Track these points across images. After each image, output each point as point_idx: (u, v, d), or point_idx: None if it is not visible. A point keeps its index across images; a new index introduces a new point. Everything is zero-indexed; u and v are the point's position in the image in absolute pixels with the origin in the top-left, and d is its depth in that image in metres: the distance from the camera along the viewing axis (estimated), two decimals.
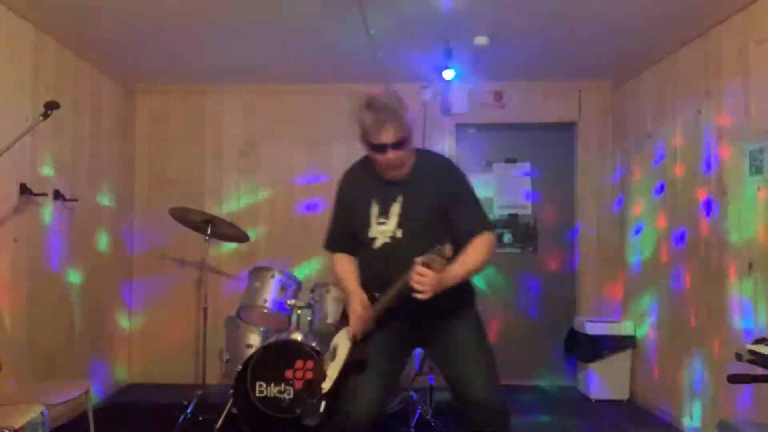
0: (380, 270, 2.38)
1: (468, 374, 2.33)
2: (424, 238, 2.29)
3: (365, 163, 2.49)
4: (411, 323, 2.39)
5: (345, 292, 2.53)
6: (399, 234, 2.37)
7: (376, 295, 2.37)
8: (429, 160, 2.49)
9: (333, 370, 2.46)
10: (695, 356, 3.92)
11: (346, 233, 2.55)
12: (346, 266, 2.55)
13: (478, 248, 2.35)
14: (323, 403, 2.45)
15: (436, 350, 2.49)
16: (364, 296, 2.40)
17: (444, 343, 2.41)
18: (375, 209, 2.40)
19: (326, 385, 2.46)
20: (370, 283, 2.42)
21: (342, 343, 2.49)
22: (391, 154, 2.30)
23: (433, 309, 2.26)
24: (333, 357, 2.51)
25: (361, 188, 2.47)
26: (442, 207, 2.38)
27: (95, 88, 4.70)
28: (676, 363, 4.16)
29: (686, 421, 4.02)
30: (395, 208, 2.38)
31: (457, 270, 2.27)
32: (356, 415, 2.32)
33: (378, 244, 2.39)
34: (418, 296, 2.17)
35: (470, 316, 2.47)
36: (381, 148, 2.30)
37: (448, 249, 2.16)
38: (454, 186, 2.44)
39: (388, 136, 2.28)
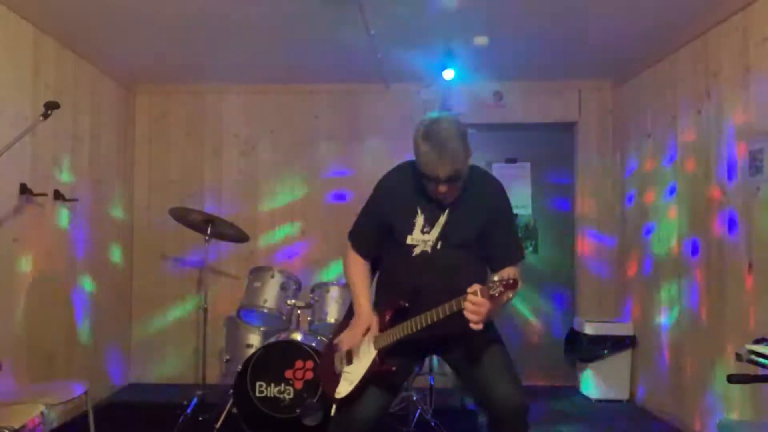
0: (414, 278, 2.36)
1: (490, 376, 2.33)
2: (462, 254, 2.35)
3: (413, 168, 2.41)
4: (430, 335, 2.34)
5: (355, 304, 2.50)
6: (439, 246, 2.36)
7: (405, 304, 2.35)
8: (481, 181, 2.45)
9: (353, 375, 2.40)
10: (695, 356, 3.93)
11: (373, 233, 2.51)
12: (361, 275, 2.52)
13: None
14: (334, 407, 2.43)
15: (454, 357, 2.47)
16: (375, 320, 2.40)
17: (463, 350, 2.40)
18: (421, 218, 2.38)
19: (343, 390, 2.40)
20: (400, 291, 2.38)
21: (362, 349, 2.43)
22: (443, 188, 2.26)
23: (456, 324, 2.23)
24: (348, 360, 2.45)
25: (407, 194, 2.42)
26: (485, 229, 2.38)
27: (95, 88, 4.70)
28: (676, 363, 4.16)
29: (685, 421, 4.03)
30: (441, 220, 2.37)
31: (505, 303, 2.24)
32: (362, 419, 2.36)
33: (417, 251, 2.38)
34: (472, 326, 2.14)
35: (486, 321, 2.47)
36: (434, 180, 2.26)
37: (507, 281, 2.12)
38: (501, 212, 2.44)
39: (442, 172, 2.22)
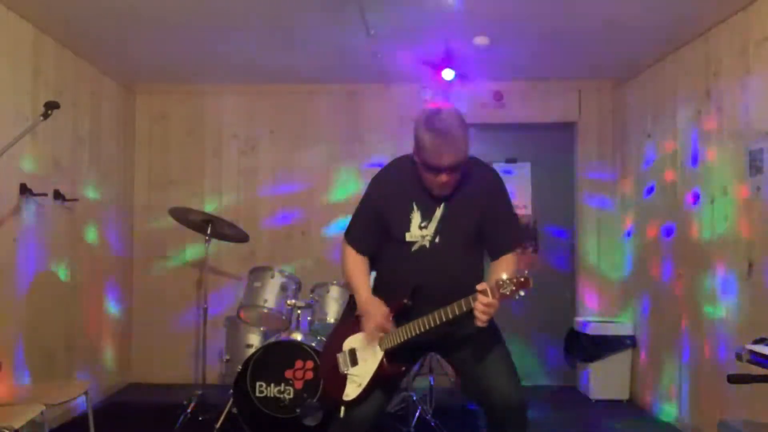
0: (414, 275, 2.34)
1: (490, 374, 2.32)
2: (460, 248, 2.34)
3: (406, 163, 2.40)
4: (434, 334, 2.32)
5: (358, 298, 2.44)
6: (437, 240, 2.34)
7: (409, 303, 2.31)
8: (478, 172, 2.42)
9: (360, 378, 2.36)
10: (695, 356, 3.92)
11: (369, 231, 2.47)
12: (360, 270, 2.48)
13: (512, 269, 2.29)
14: (342, 409, 2.39)
15: (455, 355, 2.45)
16: (385, 307, 2.34)
17: (462, 347, 2.38)
18: (417, 213, 2.36)
19: (352, 392, 2.36)
20: (401, 289, 2.34)
21: (368, 351, 2.39)
22: (444, 177, 2.24)
23: (460, 322, 2.22)
24: (353, 362, 2.40)
25: (401, 189, 2.40)
26: (482, 219, 2.37)
27: (95, 88, 4.70)
28: (676, 363, 4.16)
29: (686, 421, 4.03)
30: (437, 214, 2.34)
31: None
32: (363, 418, 2.36)
33: (416, 248, 2.35)
34: (477, 323, 2.12)
35: None
36: (435, 170, 2.24)
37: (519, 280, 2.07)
38: (498, 202, 2.42)
39: (446, 160, 2.20)
